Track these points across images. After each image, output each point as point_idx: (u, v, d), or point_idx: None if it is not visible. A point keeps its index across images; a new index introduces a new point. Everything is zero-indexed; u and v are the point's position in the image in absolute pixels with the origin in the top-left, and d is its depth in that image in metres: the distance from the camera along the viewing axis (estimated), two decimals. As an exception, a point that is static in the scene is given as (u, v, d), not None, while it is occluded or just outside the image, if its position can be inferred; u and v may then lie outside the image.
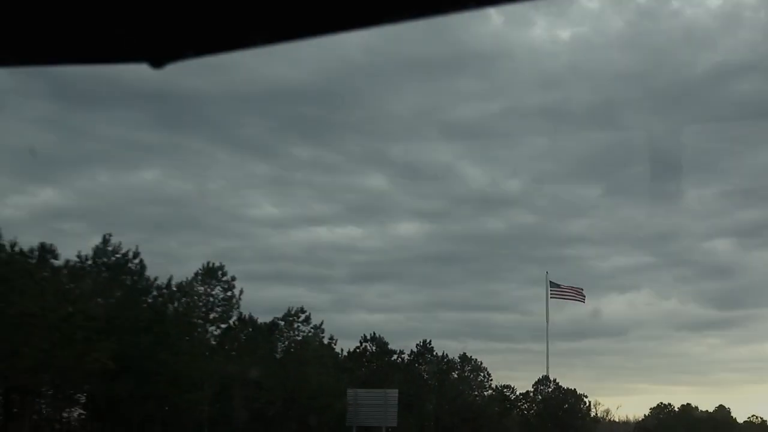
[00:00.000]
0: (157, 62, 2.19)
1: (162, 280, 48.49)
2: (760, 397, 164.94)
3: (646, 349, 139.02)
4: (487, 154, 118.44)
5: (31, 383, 39.68)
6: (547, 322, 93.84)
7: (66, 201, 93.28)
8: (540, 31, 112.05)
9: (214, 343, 52.37)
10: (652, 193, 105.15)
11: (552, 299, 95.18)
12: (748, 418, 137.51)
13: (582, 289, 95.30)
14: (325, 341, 57.96)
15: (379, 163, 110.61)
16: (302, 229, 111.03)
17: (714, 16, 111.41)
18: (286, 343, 56.30)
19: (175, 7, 2.01)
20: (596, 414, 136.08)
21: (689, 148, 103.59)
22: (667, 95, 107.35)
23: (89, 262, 45.26)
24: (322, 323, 56.89)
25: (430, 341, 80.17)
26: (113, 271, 45.69)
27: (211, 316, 51.80)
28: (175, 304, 48.32)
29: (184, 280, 50.15)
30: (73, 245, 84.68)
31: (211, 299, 51.47)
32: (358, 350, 69.91)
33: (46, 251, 41.78)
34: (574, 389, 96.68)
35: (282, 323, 56.26)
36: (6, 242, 39.12)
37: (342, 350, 71.14)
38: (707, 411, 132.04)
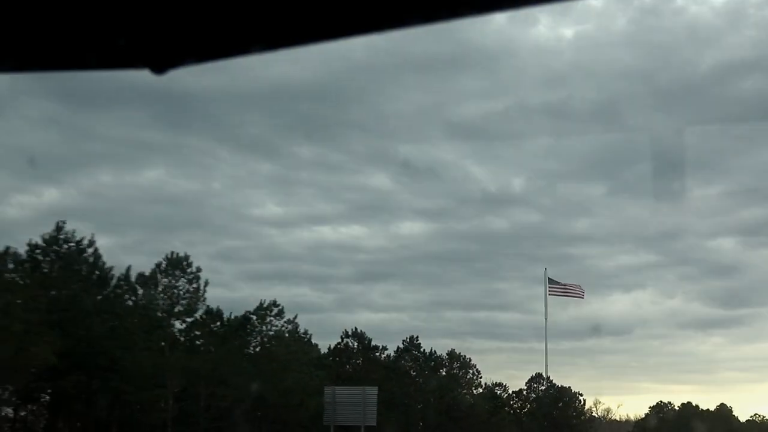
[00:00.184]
0: (159, 69, 2.21)
1: (121, 271, 45.65)
2: (764, 396, 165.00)
3: (651, 348, 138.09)
4: (491, 153, 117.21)
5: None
6: (546, 319, 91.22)
7: (70, 201, 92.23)
8: (544, 30, 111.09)
9: (180, 338, 49.48)
10: (657, 191, 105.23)
11: (551, 296, 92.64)
12: (751, 416, 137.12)
13: (580, 286, 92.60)
14: (301, 336, 54.82)
15: (382, 162, 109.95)
16: (306, 229, 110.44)
17: (718, 14, 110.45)
18: (258, 338, 53.34)
19: (176, 14, 2.03)
20: (597, 413, 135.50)
21: (693, 146, 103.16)
22: (671, 93, 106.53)
23: (39, 251, 42.39)
24: (295, 317, 54.12)
25: (417, 337, 77.33)
26: (66, 260, 42.82)
27: (176, 309, 48.92)
28: (134, 296, 45.45)
29: (146, 271, 47.35)
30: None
31: (176, 292, 48.57)
32: (339, 346, 67.01)
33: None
34: (569, 387, 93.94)
35: (254, 317, 53.35)
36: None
37: (328, 347, 69.33)
38: (708, 410, 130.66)
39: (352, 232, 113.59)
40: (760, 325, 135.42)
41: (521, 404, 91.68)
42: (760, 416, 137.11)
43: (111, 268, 44.49)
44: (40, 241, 42.64)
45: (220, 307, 50.88)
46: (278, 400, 51.46)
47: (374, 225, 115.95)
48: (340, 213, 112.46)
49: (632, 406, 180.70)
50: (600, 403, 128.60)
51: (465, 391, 78.42)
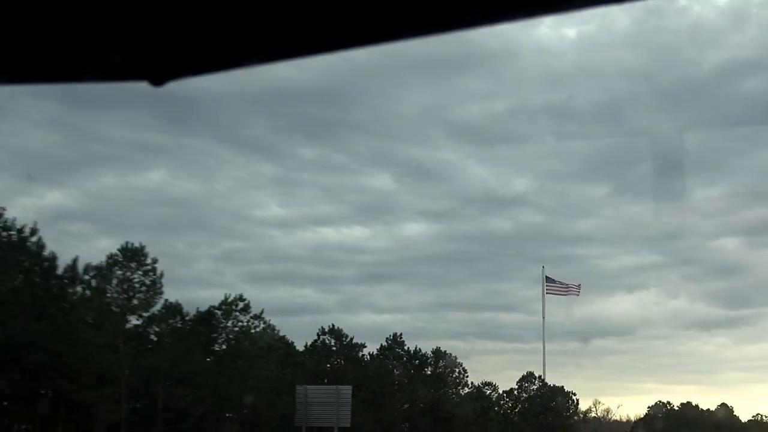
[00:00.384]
0: (157, 81, 2.23)
1: (68, 261, 42.64)
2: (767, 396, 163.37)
3: (654, 349, 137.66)
4: (493, 154, 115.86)
5: None
6: (544, 318, 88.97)
7: (73, 203, 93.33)
8: (546, 30, 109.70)
9: (136, 333, 46.46)
10: (659, 192, 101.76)
11: (551, 296, 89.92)
12: (753, 416, 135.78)
13: (577, 285, 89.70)
14: (262, 331, 51.70)
15: (385, 163, 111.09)
16: (308, 230, 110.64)
17: (721, 13, 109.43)
18: (224, 335, 50.31)
19: (174, 27, 2.06)
20: (596, 413, 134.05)
21: (696, 146, 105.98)
22: (673, 94, 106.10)
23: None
24: (262, 312, 51.01)
25: (401, 335, 74.31)
26: (5, 250, 39.80)
27: (134, 302, 45.92)
28: (81, 288, 42.50)
29: (97, 262, 44.38)
30: (80, 247, 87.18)
31: (131, 285, 45.57)
32: (316, 344, 63.96)
33: None
34: (562, 386, 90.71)
35: (219, 312, 50.32)
36: None
37: (305, 345, 66.32)
38: (709, 409, 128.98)
39: (355, 233, 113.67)
40: (764, 326, 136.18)
41: (512, 404, 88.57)
42: (762, 416, 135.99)
43: (56, 259, 41.49)
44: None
45: (180, 302, 47.81)
46: (243, 401, 48.44)
47: (377, 226, 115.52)
48: (342, 214, 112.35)
49: (633, 406, 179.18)
50: (599, 403, 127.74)
51: (451, 390, 75.23)
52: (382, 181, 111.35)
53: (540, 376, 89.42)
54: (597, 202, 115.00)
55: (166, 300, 47.01)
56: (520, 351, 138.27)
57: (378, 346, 72.44)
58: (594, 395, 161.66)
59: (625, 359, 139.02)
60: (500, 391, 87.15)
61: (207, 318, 50.17)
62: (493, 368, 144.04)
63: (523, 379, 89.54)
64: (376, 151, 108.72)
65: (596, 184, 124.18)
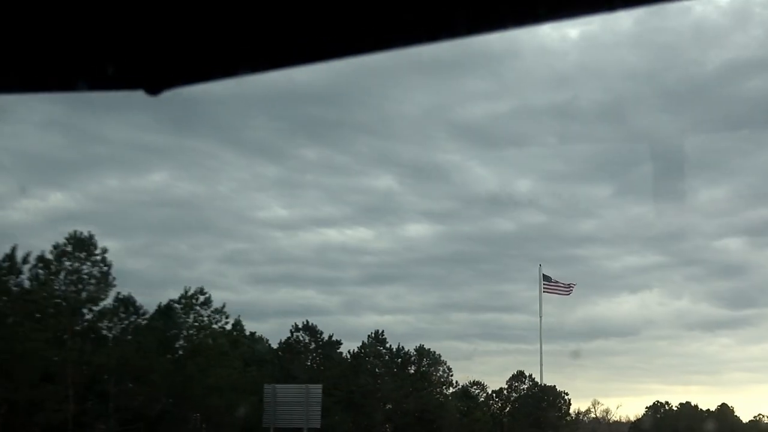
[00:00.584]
0: (153, 90, 2.25)
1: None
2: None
3: (658, 349, 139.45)
4: (496, 155, 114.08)
5: None
6: (541, 317, 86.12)
7: (75, 204, 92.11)
8: (549, 30, 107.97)
9: (84, 328, 43.55)
10: (663, 192, 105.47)
11: (552, 295, 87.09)
12: (754, 417, 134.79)
13: (570, 283, 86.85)
14: (229, 327, 48.74)
15: (387, 164, 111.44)
16: (311, 231, 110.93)
17: (724, 13, 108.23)
18: (184, 331, 47.36)
19: (170, 37, 2.07)
20: (595, 414, 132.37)
21: (699, 146, 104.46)
22: (676, 94, 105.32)
23: None
24: (223, 306, 48.01)
25: (383, 332, 71.28)
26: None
27: (83, 295, 43.04)
28: (19, 280, 39.66)
29: (40, 252, 41.51)
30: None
31: (80, 276, 42.69)
32: (289, 341, 60.95)
33: None
34: (554, 386, 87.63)
35: (178, 306, 47.41)
36: None
37: (279, 342, 63.38)
38: (709, 410, 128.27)
39: (358, 234, 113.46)
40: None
41: (501, 404, 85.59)
42: (764, 416, 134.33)
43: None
44: None
45: (133, 294, 44.89)
46: (203, 400, 45.52)
47: (380, 227, 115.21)
48: (345, 215, 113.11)
49: (633, 407, 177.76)
50: (599, 403, 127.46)
51: (436, 390, 72.21)
52: (384, 182, 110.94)
53: (531, 375, 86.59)
54: (600, 202, 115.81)
55: (119, 293, 44.21)
56: (524, 352, 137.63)
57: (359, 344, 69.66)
58: (597, 396, 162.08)
59: (629, 360, 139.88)
60: (489, 391, 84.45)
61: (166, 313, 47.28)
62: (496, 369, 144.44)
63: (513, 378, 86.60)
64: (379, 152, 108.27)
65: (599, 185, 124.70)
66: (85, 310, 43.46)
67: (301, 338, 61.07)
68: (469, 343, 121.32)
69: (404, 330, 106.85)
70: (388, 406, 70.00)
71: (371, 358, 68.48)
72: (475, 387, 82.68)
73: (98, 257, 43.13)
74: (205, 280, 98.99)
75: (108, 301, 43.80)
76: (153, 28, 2.00)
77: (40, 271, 41.49)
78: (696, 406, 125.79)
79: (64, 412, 40.45)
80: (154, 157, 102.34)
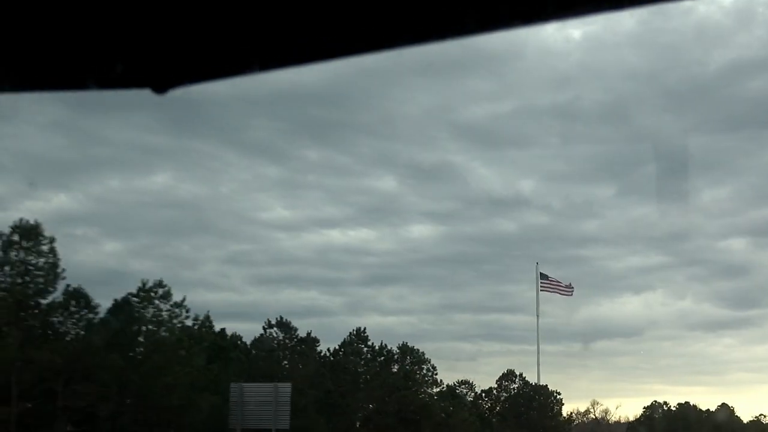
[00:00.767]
0: (160, 89, 2.24)
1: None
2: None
3: (661, 350, 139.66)
4: (498, 155, 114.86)
5: None
6: (538, 316, 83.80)
7: (78, 206, 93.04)
8: (551, 30, 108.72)
9: (33, 323, 40.87)
10: (665, 192, 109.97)
11: (548, 293, 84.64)
12: (755, 417, 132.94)
13: (570, 284, 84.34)
14: (190, 323, 45.99)
15: (389, 164, 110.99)
16: (314, 232, 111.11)
17: (727, 13, 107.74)
18: (140, 326, 44.63)
19: (176, 36, 2.08)
20: (594, 414, 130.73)
21: (702, 146, 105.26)
22: (679, 94, 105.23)
23: None
24: (183, 300, 45.26)
25: (365, 329, 68.52)
26: None
27: (29, 288, 40.37)
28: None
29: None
30: (86, 250, 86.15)
31: (26, 268, 40.01)
32: (263, 337, 58.17)
33: None
34: (545, 385, 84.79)
35: (135, 299, 44.70)
36: None
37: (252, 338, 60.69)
38: (709, 410, 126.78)
39: (361, 235, 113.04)
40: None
41: (491, 404, 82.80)
42: (765, 416, 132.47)
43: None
44: None
45: (83, 288, 42.16)
46: (159, 400, 42.81)
47: (382, 228, 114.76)
48: (348, 216, 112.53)
49: (633, 407, 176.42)
50: (598, 404, 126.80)
51: (420, 389, 69.35)
52: (387, 182, 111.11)
53: (521, 375, 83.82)
54: (602, 203, 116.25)
55: (68, 286, 41.50)
56: (526, 353, 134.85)
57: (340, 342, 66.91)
58: (602, 396, 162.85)
59: (632, 360, 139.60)
60: (478, 391, 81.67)
61: (122, 306, 44.59)
62: (499, 370, 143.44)
63: (503, 377, 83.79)
64: (381, 153, 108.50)
65: (602, 185, 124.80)
66: (32, 304, 40.78)
67: (275, 335, 58.29)
68: (472, 344, 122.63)
69: (407, 331, 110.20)
70: (371, 405, 67.39)
71: (352, 356, 65.73)
72: (463, 386, 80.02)
73: (46, 248, 40.47)
74: (208, 281, 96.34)
75: (57, 295, 41.13)
76: (159, 27, 2.00)
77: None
78: (695, 406, 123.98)
79: (7, 412, 37.81)
80: (157, 158, 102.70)
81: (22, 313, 40.25)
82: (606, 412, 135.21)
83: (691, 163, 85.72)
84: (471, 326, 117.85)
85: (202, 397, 45.00)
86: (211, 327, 54.98)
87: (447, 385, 73.03)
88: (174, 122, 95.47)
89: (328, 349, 65.29)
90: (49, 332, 41.35)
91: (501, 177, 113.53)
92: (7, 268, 39.81)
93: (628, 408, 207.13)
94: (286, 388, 49.95)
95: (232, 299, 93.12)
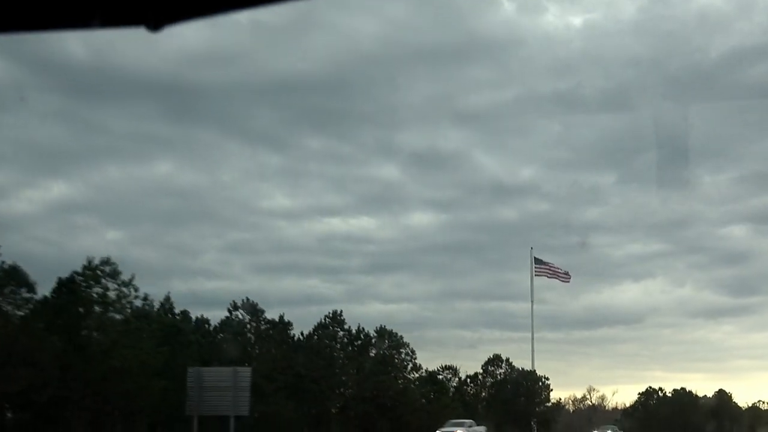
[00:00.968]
0: (154, 26, 2.21)
1: None
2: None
3: (661, 337, 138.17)
4: (500, 143, 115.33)
5: None
6: (532, 302, 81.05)
7: (78, 195, 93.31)
8: (552, 18, 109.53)
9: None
10: (666, 179, 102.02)
11: (544, 278, 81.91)
12: (754, 403, 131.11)
13: (566, 271, 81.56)
14: (139, 303, 43.04)
15: (391, 153, 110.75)
16: (315, 220, 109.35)
17: (728, 0, 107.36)
18: (84, 307, 41.72)
19: None
20: (591, 401, 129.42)
21: (703, 133, 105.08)
22: (680, 81, 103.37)
23: None
24: (132, 278, 42.30)
25: (341, 312, 65.69)
26: None
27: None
28: None
29: None
30: (87, 239, 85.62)
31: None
32: (229, 319, 55.29)
33: None
34: (533, 371, 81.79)
35: (80, 278, 41.80)
36: None
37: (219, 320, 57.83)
38: (706, 396, 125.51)
39: (362, 223, 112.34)
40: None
41: (477, 390, 79.98)
42: (763, 402, 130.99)
43: None
44: None
45: (19, 265, 39.25)
46: (104, 385, 40.00)
47: (384, 216, 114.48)
48: (349, 204, 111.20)
49: (631, 393, 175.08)
50: (594, 390, 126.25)
51: (399, 374, 66.54)
52: (388, 171, 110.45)
53: (508, 360, 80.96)
54: (604, 190, 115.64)
55: (3, 263, 38.63)
56: (527, 340, 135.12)
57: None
58: (601, 384, 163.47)
59: (633, 348, 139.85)
60: (463, 376, 78.82)
61: (66, 286, 41.72)
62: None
63: (489, 362, 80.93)
64: (383, 141, 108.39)
65: (603, 173, 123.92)
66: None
67: (241, 317, 55.43)
68: (473, 332, 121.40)
69: (408, 319, 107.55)
70: (346, 391, 64.63)
71: (326, 340, 62.88)
72: (447, 372, 77.21)
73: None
74: (209, 269, 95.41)
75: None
76: None
77: None
78: (690, 392, 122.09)
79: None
80: (157, 146, 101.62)
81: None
82: (602, 398, 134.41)
83: (692, 150, 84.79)
84: (472, 314, 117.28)
85: (153, 382, 42.20)
86: (172, 309, 52.25)
87: (428, 371, 70.12)
88: (175, 111, 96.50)
89: (302, 333, 62.57)
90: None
91: (502, 165, 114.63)
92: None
93: (625, 394, 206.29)
94: (245, 372, 47.03)
95: (233, 287, 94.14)
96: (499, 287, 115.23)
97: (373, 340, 66.07)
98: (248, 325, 55.28)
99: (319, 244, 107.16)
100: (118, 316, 41.87)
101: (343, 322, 65.34)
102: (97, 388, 40.29)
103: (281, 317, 60.38)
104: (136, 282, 42.09)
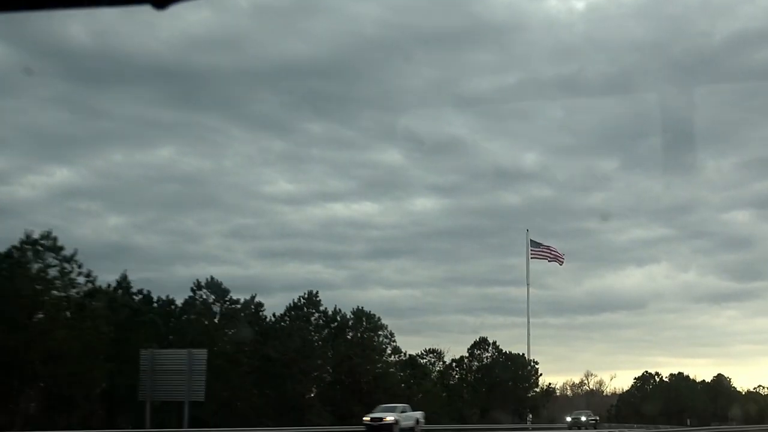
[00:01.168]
0: (160, 4, 2.17)
1: None
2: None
3: (665, 322, 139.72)
4: (503, 128, 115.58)
5: None
6: (528, 285, 78.91)
7: (82, 180, 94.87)
8: (555, 2, 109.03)
9: None
10: (670, 164, 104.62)
11: (540, 261, 79.56)
12: (754, 388, 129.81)
13: (562, 253, 79.18)
14: (82, 281, 39.95)
15: (394, 137, 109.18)
16: (318, 206, 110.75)
17: None
18: (22, 284, 38.63)
19: None
20: (589, 386, 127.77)
21: (707, 118, 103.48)
22: (684, 65, 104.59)
23: None
24: (75, 254, 39.19)
25: (317, 292, 62.49)
26: None
27: None
28: None
29: None
30: (89, 224, 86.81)
31: None
32: (194, 300, 52.17)
33: None
34: (522, 354, 78.91)
35: (17, 253, 38.74)
36: None
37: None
38: (704, 380, 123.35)
39: (364, 208, 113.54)
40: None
41: (462, 374, 76.96)
42: (764, 387, 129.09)
43: None
44: None
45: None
46: (41, 369, 37.03)
47: (386, 201, 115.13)
48: (351, 190, 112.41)
49: (629, 378, 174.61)
50: (592, 375, 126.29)
51: (377, 357, 63.43)
52: (391, 156, 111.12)
53: (495, 343, 77.89)
54: (607, 175, 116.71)
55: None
56: (533, 325, 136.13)
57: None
58: (603, 369, 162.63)
59: (635, 333, 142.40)
60: (448, 360, 75.79)
61: (3, 260, 38.69)
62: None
63: (474, 345, 77.86)
64: (385, 126, 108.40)
65: (606, 158, 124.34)
66: None
67: (205, 297, 52.32)
68: (476, 317, 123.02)
69: (411, 304, 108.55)
70: (324, 375, 61.62)
71: (299, 321, 59.79)
72: (430, 355, 74.24)
73: None
74: (212, 255, 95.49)
75: None
76: None
77: None
78: (688, 377, 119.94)
79: None
80: (160, 132, 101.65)
81: None
82: (600, 383, 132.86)
83: (695, 135, 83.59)
84: (475, 299, 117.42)
85: (99, 365, 39.27)
86: (129, 288, 49.21)
87: (408, 354, 67.08)
88: (177, 96, 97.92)
89: (273, 315, 59.48)
90: None
91: (505, 150, 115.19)
92: None
93: (624, 380, 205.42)
94: (201, 354, 44.09)
95: (237, 273, 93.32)
96: (502, 272, 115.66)
97: (350, 322, 62.98)
98: (213, 306, 52.15)
99: (321, 229, 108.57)
100: (57, 293, 38.84)
101: (318, 303, 62.23)
102: (33, 372, 37.36)
103: (252, 297, 57.29)
104: (140, 269, 39.09)
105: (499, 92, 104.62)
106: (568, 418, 68.87)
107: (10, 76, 74.10)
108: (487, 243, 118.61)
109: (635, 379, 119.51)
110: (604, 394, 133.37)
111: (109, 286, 48.07)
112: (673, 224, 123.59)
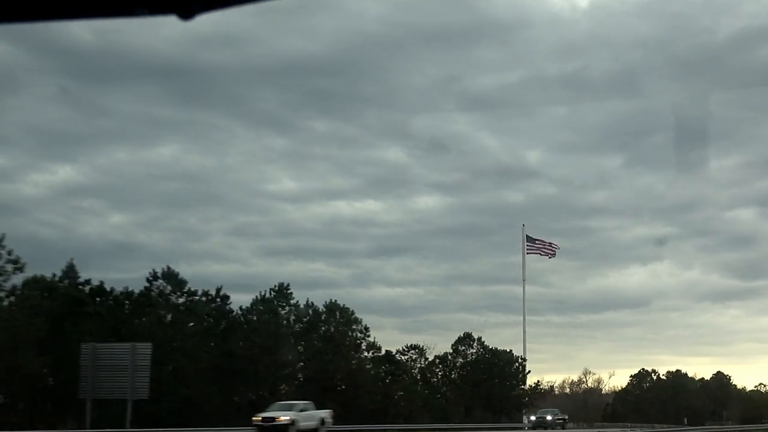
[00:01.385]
0: (186, 14, 2.16)
1: None
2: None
3: (668, 321, 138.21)
4: (506, 125, 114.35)
5: None
6: (524, 280, 76.02)
7: (84, 178, 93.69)
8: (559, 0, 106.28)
9: None
10: (674, 162, 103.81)
11: (534, 255, 76.84)
12: (755, 387, 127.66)
13: (554, 243, 76.66)
14: (10, 269, 36.59)
15: (397, 135, 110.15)
16: (321, 204, 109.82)
17: None
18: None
19: None
20: (587, 384, 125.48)
21: (711, 116, 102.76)
22: (688, 63, 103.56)
23: None
24: (3, 238, 35.87)
25: (288, 285, 59.12)
26: None
27: None
28: None
29: None
30: (92, 222, 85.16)
31: None
32: (149, 291, 48.80)
33: None
34: (510, 350, 75.57)
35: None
36: None
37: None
38: (703, 378, 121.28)
39: (368, 206, 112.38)
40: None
41: (446, 371, 73.56)
42: (765, 386, 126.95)
43: None
44: None
45: None
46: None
47: (389, 199, 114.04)
48: (354, 188, 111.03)
49: (627, 376, 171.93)
50: (590, 373, 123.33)
51: (352, 353, 60.09)
52: (394, 154, 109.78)
53: (480, 338, 74.57)
54: (610, 173, 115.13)
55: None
56: (535, 323, 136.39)
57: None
58: (606, 367, 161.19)
59: (639, 331, 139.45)
60: (431, 357, 72.36)
61: None
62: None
63: (459, 341, 74.50)
64: (388, 124, 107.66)
65: (610, 155, 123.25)
66: None
67: (162, 288, 48.97)
68: (479, 315, 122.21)
69: (414, 302, 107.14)
70: (294, 372, 58.35)
71: (267, 314, 56.46)
72: (412, 351, 70.80)
73: None
74: (215, 252, 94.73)
75: None
76: None
77: None
78: (685, 375, 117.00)
79: None
80: (163, 129, 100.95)
81: None
82: (599, 381, 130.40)
83: (699, 132, 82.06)
84: (478, 297, 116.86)
85: (29, 360, 36.02)
86: (76, 278, 45.95)
87: (386, 351, 63.68)
88: (181, 94, 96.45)
89: (240, 308, 56.17)
90: None
91: (508, 148, 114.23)
92: None
93: (623, 378, 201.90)
94: (145, 348, 40.81)
95: (240, 271, 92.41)
96: (505, 270, 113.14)
97: (323, 316, 59.65)
98: (169, 297, 48.84)
99: (324, 227, 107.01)
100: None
101: (289, 296, 58.94)
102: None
103: (218, 290, 53.98)
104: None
105: (502, 90, 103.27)
106: (532, 417, 64.88)
107: (11, 75, 74.41)
108: (489, 241, 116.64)
109: (631, 376, 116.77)
110: (603, 392, 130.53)
111: (54, 275, 45.00)
112: (677, 222, 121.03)
